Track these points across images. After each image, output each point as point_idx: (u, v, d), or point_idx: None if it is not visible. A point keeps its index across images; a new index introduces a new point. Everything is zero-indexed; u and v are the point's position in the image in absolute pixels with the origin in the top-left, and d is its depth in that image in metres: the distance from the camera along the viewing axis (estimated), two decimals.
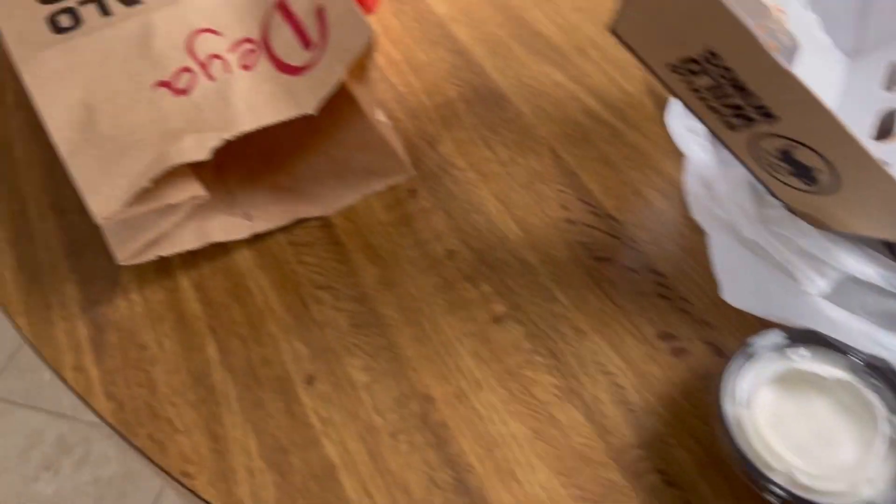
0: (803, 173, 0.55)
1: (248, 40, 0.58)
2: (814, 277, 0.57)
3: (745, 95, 0.52)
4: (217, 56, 0.58)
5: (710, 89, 0.54)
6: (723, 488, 0.54)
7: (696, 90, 0.55)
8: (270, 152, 0.69)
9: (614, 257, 0.66)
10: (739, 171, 0.61)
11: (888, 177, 0.50)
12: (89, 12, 0.60)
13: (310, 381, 0.60)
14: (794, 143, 0.53)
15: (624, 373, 0.60)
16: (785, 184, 0.57)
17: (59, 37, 0.59)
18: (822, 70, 0.71)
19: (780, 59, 0.48)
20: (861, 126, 0.65)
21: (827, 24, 0.72)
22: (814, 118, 0.50)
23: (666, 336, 0.62)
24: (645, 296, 0.64)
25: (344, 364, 0.61)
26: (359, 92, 0.62)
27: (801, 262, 0.57)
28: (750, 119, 0.54)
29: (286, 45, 0.57)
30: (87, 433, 1.97)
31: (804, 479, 0.50)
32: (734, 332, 0.61)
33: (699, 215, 0.63)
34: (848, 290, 0.58)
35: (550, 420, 0.58)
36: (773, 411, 0.54)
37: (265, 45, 0.57)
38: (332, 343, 0.62)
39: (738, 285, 0.60)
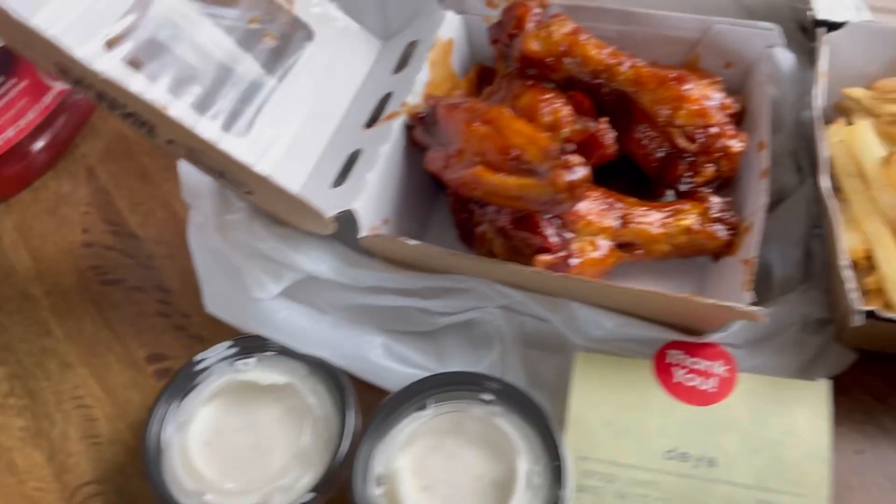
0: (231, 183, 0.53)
1: None
2: (265, 282, 0.55)
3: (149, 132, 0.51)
4: None
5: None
6: None
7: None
8: None
9: (125, 278, 0.63)
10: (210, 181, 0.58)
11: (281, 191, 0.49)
12: None
13: None
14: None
15: (101, 404, 0.56)
16: (232, 189, 0.55)
17: None
18: (348, 53, 0.68)
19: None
20: (365, 111, 0.64)
21: (351, 10, 0.70)
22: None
23: (155, 358, 0.59)
24: (145, 316, 0.61)
25: None
26: None
27: (253, 268, 0.55)
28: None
29: None
30: None
31: (215, 499, 0.48)
32: None
33: (190, 229, 0.60)
34: (313, 290, 0.56)
35: (9, 467, 0.54)
36: (213, 428, 0.52)
37: None
38: None
39: (215, 295, 0.58)
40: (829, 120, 0.62)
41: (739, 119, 0.63)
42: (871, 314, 0.48)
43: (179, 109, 0.55)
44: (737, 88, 0.65)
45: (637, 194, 0.61)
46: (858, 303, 0.48)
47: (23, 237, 0.66)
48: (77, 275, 0.63)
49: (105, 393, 0.57)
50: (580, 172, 0.49)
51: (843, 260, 0.49)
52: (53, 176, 0.70)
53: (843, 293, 0.49)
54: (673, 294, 0.49)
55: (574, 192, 0.49)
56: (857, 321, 0.48)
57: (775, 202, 0.61)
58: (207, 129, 0.56)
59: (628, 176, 0.63)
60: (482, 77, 0.68)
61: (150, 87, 0.54)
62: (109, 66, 0.51)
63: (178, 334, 0.60)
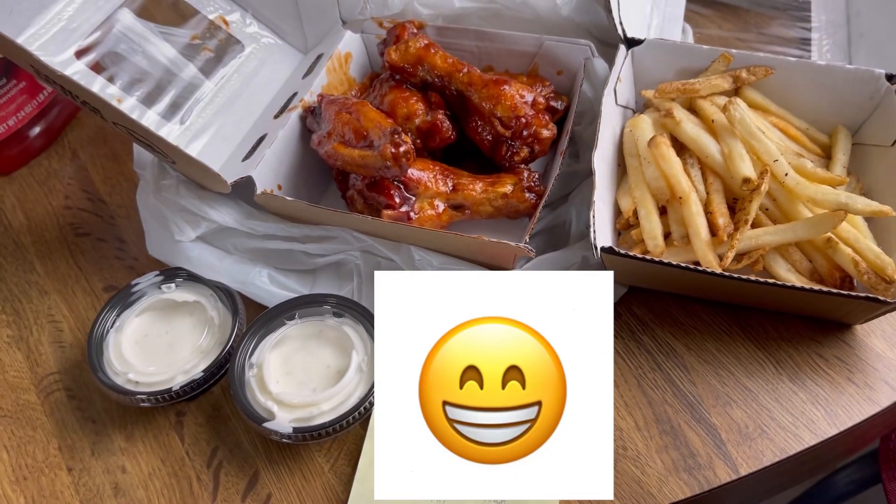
0: (160, 154, 0.73)
1: None
2: (185, 229, 0.74)
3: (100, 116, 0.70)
4: None
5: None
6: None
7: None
8: None
9: (93, 232, 0.83)
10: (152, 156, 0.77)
11: (190, 158, 0.68)
12: None
13: None
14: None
15: (67, 319, 0.76)
16: (162, 159, 0.75)
17: None
18: (272, 63, 0.88)
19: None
20: (277, 105, 0.83)
21: (277, 30, 0.89)
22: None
23: (110, 288, 0.78)
24: (106, 259, 0.80)
25: None
26: None
27: (176, 218, 0.74)
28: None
29: None
30: None
31: (134, 377, 0.67)
32: None
33: (138, 192, 0.79)
34: (223, 236, 0.75)
35: None
36: (143, 331, 0.71)
37: None
38: None
39: (153, 241, 0.77)
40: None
41: (564, 114, 0.82)
42: (607, 250, 0.65)
43: (129, 102, 0.75)
44: (567, 91, 0.83)
45: (486, 171, 0.80)
46: (598, 241, 0.65)
47: (20, 202, 0.86)
48: (58, 229, 0.83)
49: (70, 312, 0.76)
50: (403, 147, 0.68)
51: (593, 211, 0.67)
52: (46, 156, 0.90)
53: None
54: (468, 235, 0.68)
55: (398, 161, 0.68)
56: (597, 255, 0.65)
57: (587, 175, 0.78)
58: (149, 117, 0.76)
59: (480, 158, 0.81)
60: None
61: (108, 85, 0.75)
62: (76, 69, 0.71)
63: (128, 272, 0.79)
